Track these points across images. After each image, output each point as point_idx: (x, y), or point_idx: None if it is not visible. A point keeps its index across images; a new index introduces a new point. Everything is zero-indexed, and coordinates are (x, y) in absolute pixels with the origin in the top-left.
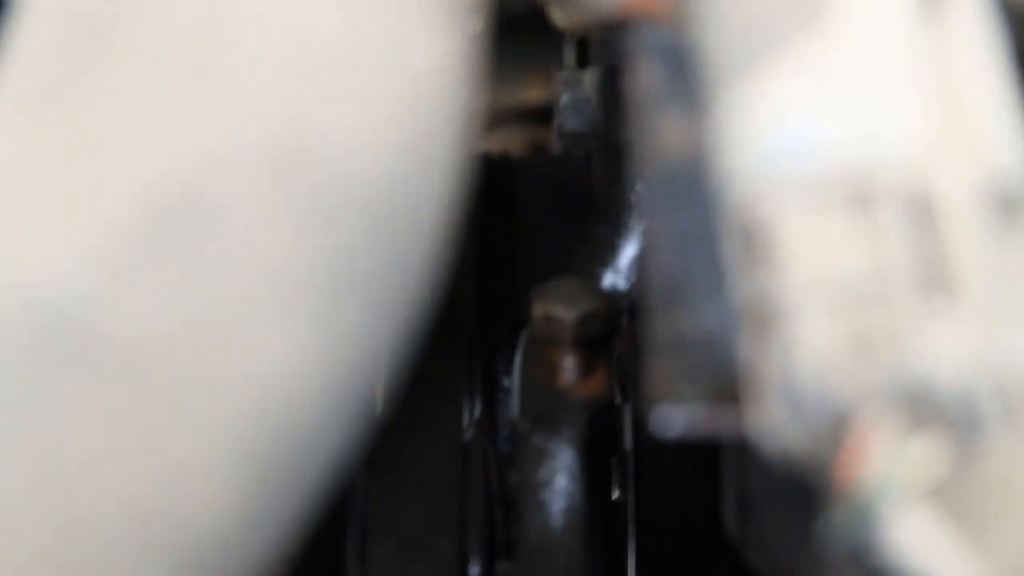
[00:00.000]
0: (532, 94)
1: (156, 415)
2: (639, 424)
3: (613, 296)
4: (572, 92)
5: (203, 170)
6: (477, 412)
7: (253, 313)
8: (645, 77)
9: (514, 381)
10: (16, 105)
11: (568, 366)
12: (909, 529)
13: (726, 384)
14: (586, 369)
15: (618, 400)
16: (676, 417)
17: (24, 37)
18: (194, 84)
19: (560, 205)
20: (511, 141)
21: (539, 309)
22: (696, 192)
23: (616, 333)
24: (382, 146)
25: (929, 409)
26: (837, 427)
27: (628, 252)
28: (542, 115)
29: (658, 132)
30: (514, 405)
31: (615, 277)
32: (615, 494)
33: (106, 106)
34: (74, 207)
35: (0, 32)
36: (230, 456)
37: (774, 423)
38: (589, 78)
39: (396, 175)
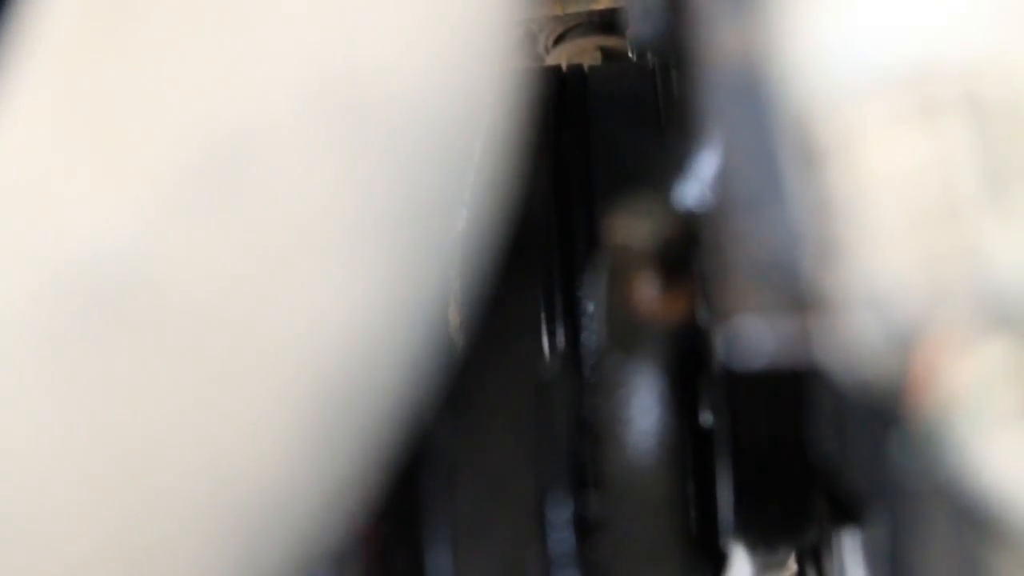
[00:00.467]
0: (602, 2)
1: (215, 369)
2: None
3: (692, 212)
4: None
5: (247, 112)
6: (560, 340)
7: (309, 257)
8: None
9: (595, 306)
10: (54, 58)
11: (649, 288)
12: (993, 445)
13: (800, 301)
14: (668, 290)
15: (704, 320)
16: (750, 335)
17: None
18: (232, 24)
19: (636, 115)
20: (583, 51)
21: (616, 229)
22: (762, 100)
23: (697, 250)
24: (430, 75)
25: (1009, 319)
26: (914, 343)
27: (707, 163)
28: (612, 23)
29: (720, 39)
30: (596, 331)
31: (695, 189)
32: (704, 419)
33: (144, 54)
34: (118, 158)
35: None
36: (294, 409)
37: (849, 341)
38: None
39: (446, 103)
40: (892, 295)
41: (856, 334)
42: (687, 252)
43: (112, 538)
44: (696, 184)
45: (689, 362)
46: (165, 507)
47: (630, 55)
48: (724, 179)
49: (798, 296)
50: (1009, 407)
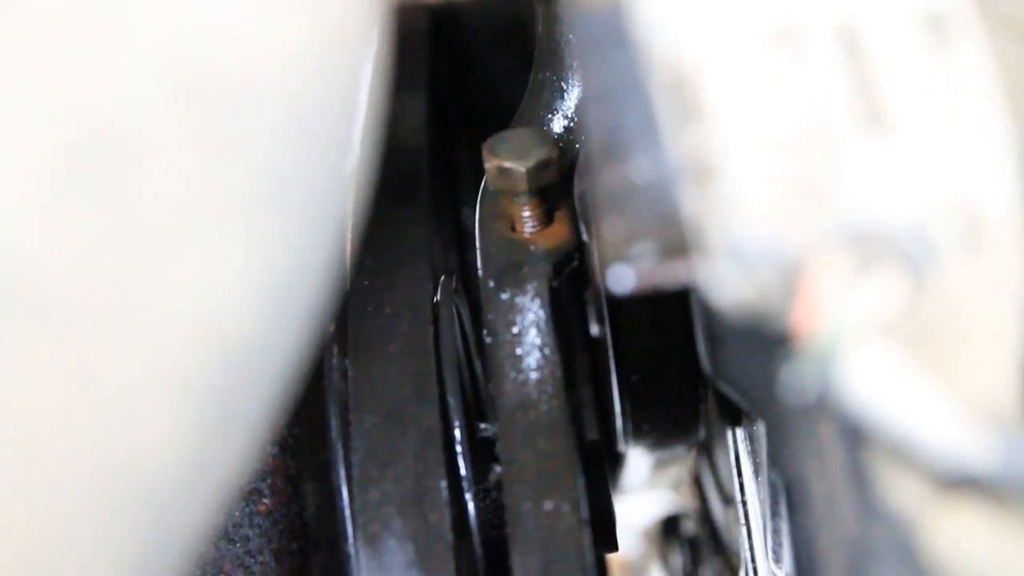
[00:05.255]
0: None
1: (96, 354)
2: None
3: (565, 139)
4: None
5: (112, 100)
6: (450, 270)
7: (182, 239)
8: None
9: (475, 237)
10: None
11: (527, 217)
12: (871, 369)
13: (675, 235)
14: (546, 218)
15: (585, 237)
16: (628, 274)
17: None
18: (95, 15)
19: (508, 50)
20: None
21: (491, 162)
22: (628, 39)
23: (572, 176)
24: (288, 49)
25: (880, 245)
26: (787, 275)
27: (576, 95)
28: None
29: None
30: (480, 266)
31: (565, 120)
32: (595, 329)
33: (5, 49)
34: None
35: None
36: (175, 386)
37: (721, 276)
38: None
39: (306, 73)
40: (763, 233)
41: (730, 272)
42: (562, 179)
43: (11, 531)
44: (569, 114)
45: (572, 283)
46: (64, 499)
47: None
48: (595, 120)
49: (671, 224)
50: (881, 330)
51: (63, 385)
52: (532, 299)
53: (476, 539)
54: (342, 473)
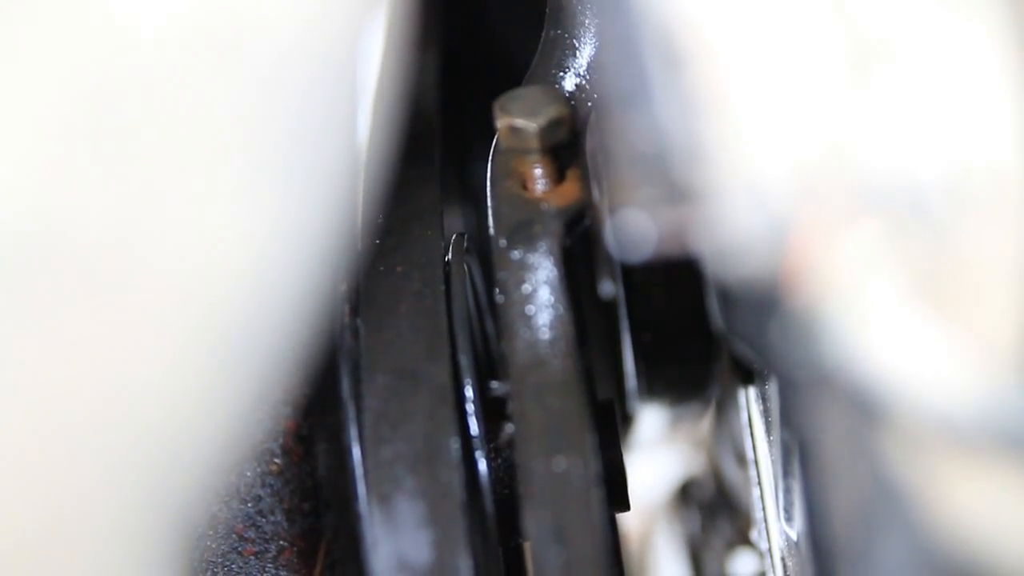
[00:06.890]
0: None
1: (121, 312)
2: None
3: (577, 97)
4: None
5: (117, 55)
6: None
7: (185, 193)
8: None
9: (487, 195)
10: None
11: (538, 176)
12: (870, 331)
13: (681, 193)
14: (558, 177)
15: (596, 197)
16: (634, 227)
17: None
18: None
19: (523, 6)
20: None
21: (503, 120)
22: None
23: (583, 135)
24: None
25: (878, 204)
26: (786, 233)
27: (587, 52)
28: None
29: None
30: (491, 224)
31: (577, 78)
32: (607, 288)
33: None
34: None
35: None
36: (198, 341)
37: (724, 232)
38: None
39: (307, 29)
40: (762, 186)
41: (730, 226)
42: (574, 138)
43: (27, 498)
44: (581, 72)
45: (583, 242)
46: (80, 461)
47: None
48: (607, 72)
49: (678, 188)
50: (883, 293)
51: (83, 339)
52: (544, 257)
53: (488, 497)
54: (354, 433)
